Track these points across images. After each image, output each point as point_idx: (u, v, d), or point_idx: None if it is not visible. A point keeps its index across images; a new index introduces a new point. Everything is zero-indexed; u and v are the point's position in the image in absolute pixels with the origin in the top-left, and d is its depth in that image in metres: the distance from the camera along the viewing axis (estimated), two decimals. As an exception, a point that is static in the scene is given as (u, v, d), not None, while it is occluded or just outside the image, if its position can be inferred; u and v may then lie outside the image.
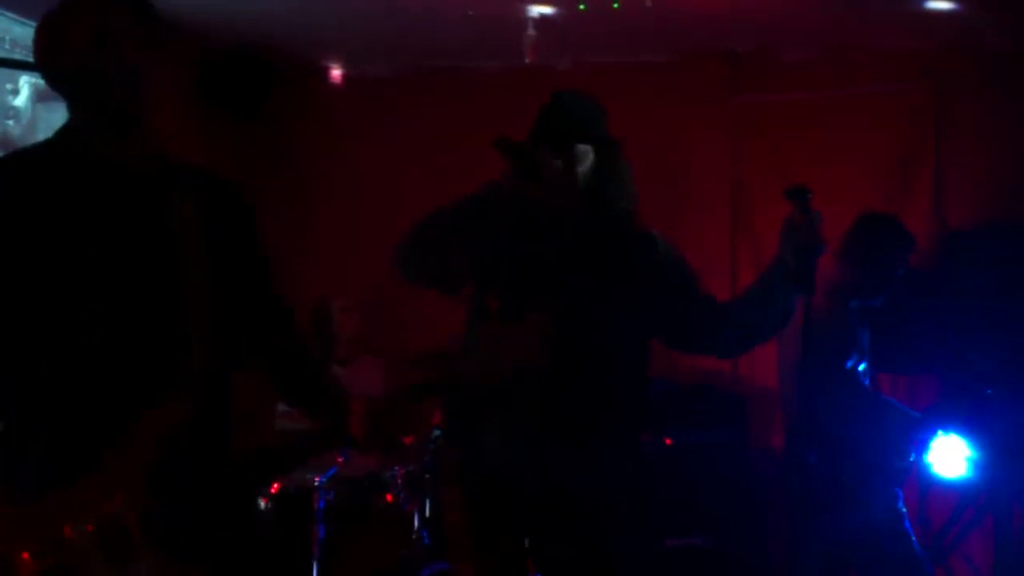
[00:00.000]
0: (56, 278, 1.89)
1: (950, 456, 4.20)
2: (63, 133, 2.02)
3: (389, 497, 4.23)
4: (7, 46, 4.50)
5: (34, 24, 2.03)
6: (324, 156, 5.98)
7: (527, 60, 4.64)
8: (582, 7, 4.45)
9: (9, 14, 4.49)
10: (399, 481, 4.24)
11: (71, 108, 2.02)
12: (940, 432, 4.12)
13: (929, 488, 4.69)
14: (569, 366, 2.74)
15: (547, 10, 4.46)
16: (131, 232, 1.95)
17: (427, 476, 4.26)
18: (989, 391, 4.42)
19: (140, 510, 1.83)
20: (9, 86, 4.63)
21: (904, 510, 4.08)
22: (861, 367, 4.00)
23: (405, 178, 5.80)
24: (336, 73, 5.94)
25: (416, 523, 4.21)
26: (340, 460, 4.03)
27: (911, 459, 4.10)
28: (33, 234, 1.90)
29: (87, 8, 1.96)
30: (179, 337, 1.92)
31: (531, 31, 4.55)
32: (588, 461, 2.76)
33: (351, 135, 5.96)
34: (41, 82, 2.10)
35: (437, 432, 4.29)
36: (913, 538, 4.06)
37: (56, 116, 2.26)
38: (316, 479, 3.98)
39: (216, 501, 1.97)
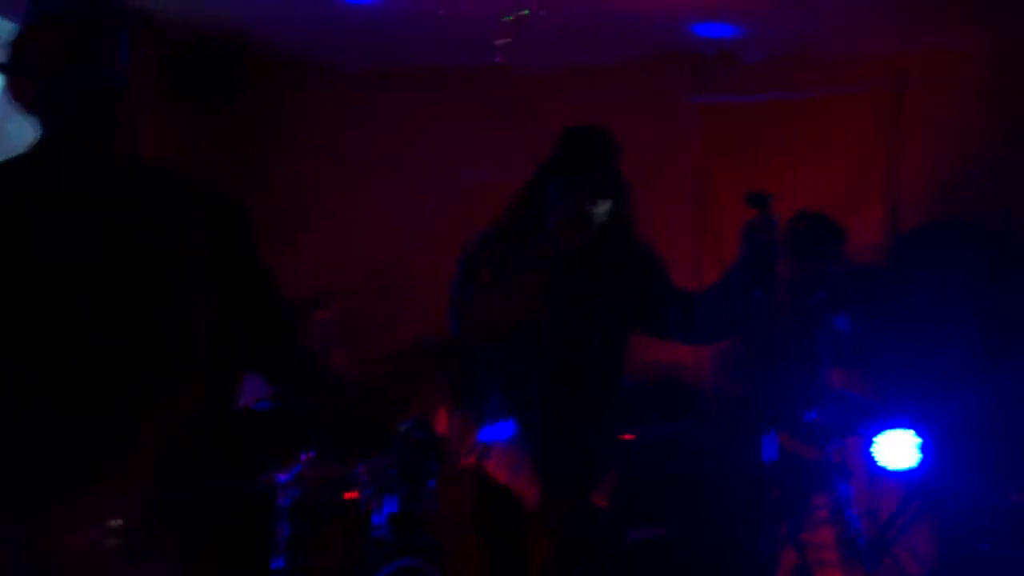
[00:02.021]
0: (46, 285, 1.85)
1: (897, 447, 4.25)
2: (41, 146, 1.93)
3: (354, 494, 4.24)
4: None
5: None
6: (298, 148, 5.97)
7: (498, 60, 4.67)
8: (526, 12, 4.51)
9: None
10: (363, 478, 4.26)
11: (46, 122, 1.92)
12: (887, 424, 4.16)
13: (876, 479, 4.74)
14: (574, 363, 2.90)
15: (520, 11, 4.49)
16: (121, 235, 1.91)
17: (393, 473, 4.27)
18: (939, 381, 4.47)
19: (156, 506, 1.82)
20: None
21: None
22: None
23: (378, 172, 5.84)
24: (312, 67, 5.94)
25: (379, 520, 4.22)
26: (304, 458, 4.04)
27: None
28: (22, 241, 1.86)
29: (61, 21, 1.87)
30: (179, 337, 1.90)
31: (503, 31, 4.58)
32: (581, 451, 2.93)
33: (324, 128, 5.96)
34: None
35: (406, 426, 4.30)
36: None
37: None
38: (280, 477, 3.99)
39: (227, 492, 1.98)
